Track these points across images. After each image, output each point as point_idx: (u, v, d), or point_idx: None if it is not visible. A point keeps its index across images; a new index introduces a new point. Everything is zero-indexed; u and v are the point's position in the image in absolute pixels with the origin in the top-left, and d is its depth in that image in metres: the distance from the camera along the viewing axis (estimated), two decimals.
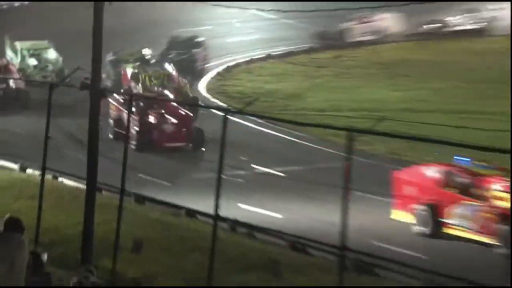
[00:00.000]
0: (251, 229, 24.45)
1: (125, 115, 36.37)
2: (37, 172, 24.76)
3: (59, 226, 22.27)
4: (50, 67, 48.80)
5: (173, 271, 19.37)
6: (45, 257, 13.26)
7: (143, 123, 37.16)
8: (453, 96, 44.46)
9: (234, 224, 23.92)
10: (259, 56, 57.43)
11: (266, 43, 59.42)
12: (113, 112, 39.30)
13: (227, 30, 61.70)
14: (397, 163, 33.37)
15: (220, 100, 45.67)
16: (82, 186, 22.48)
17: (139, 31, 57.45)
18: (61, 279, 13.52)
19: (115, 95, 39.71)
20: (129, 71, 45.48)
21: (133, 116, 36.17)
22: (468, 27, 61.04)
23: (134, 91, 42.26)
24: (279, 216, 27.47)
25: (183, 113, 38.18)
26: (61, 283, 12.84)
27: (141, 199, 27.09)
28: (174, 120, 37.42)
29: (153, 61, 49.37)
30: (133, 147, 35.01)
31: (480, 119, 36.51)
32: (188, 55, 50.66)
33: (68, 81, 26.31)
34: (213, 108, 38.97)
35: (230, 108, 40.08)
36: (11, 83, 44.08)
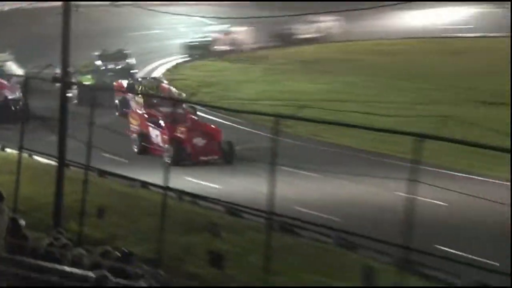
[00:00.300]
0: (195, 197, 24.48)
1: (151, 129, 33.37)
2: (15, 151, 24.50)
3: (34, 196, 22.08)
4: None
5: (130, 232, 19.35)
6: (22, 222, 13.19)
7: (174, 138, 31.71)
8: (362, 88, 44.80)
9: (181, 193, 23.91)
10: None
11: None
12: (136, 127, 34.53)
13: (174, 34, 61.23)
14: (316, 143, 33.77)
15: None
16: (53, 163, 22.31)
17: (95, 36, 56.40)
18: (37, 241, 13.44)
19: (137, 110, 35.36)
20: (123, 82, 40.91)
21: (162, 131, 32.86)
22: (312, 35, 61.15)
23: (132, 102, 37.30)
24: (218, 187, 27.52)
25: (212, 127, 33.38)
26: (37, 244, 12.76)
27: (103, 174, 26.98)
28: (204, 134, 32.18)
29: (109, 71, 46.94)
30: (167, 161, 28.93)
31: (386, 107, 36.77)
32: (125, 64, 48.57)
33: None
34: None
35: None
36: (9, 95, 39.94)
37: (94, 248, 12.30)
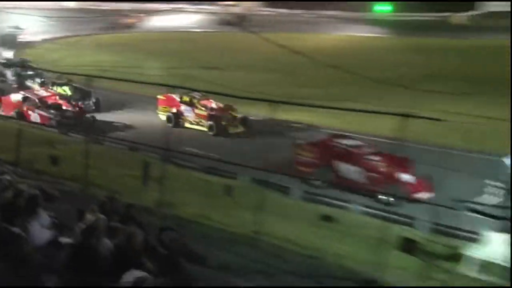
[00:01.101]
0: (39, 125, 22.97)
1: (339, 163, 17.43)
2: None
3: None
4: None
5: None
6: None
7: (391, 178, 16.58)
8: (142, 60, 43.03)
9: (31, 123, 22.24)
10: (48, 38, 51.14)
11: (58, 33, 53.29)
12: (312, 160, 17.94)
13: (39, 29, 53.46)
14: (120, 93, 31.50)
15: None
16: None
17: None
18: None
19: (312, 142, 18.55)
20: (175, 96, 24.34)
21: (370, 169, 17.04)
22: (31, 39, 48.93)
23: (190, 114, 23.90)
24: None
25: (404, 158, 16.57)
26: None
27: None
28: (407, 169, 16.63)
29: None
30: (387, 202, 15.84)
31: (182, 70, 35.24)
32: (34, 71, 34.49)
33: None
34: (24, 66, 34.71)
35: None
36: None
37: None
